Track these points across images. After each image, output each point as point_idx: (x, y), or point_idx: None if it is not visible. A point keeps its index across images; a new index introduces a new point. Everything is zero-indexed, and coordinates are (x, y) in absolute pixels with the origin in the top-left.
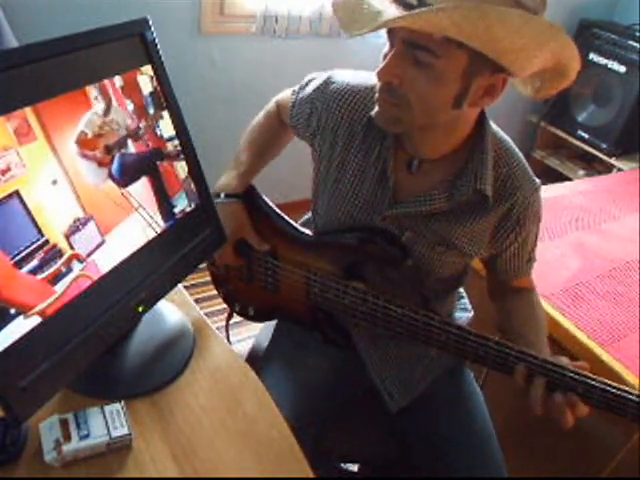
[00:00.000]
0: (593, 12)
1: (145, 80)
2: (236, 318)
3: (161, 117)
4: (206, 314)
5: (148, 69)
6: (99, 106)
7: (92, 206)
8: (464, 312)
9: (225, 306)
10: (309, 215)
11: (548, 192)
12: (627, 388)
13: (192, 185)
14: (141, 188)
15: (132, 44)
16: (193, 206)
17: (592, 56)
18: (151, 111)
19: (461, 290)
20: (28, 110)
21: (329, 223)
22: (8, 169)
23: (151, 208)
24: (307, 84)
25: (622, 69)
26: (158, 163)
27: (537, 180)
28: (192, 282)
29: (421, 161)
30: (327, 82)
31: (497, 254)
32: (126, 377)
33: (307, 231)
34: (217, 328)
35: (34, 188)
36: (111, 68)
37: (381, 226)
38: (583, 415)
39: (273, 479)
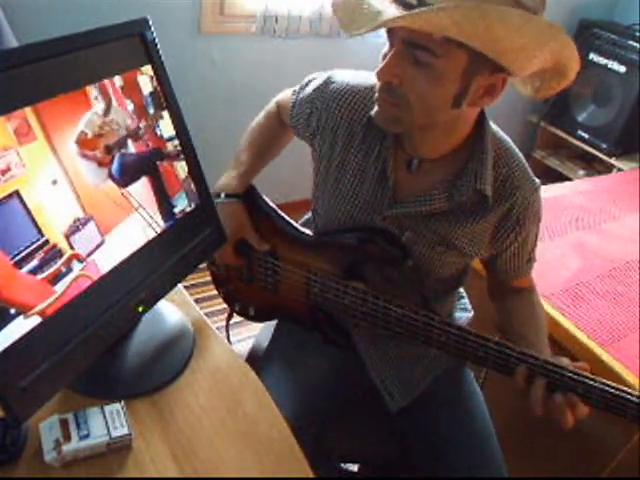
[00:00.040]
0: (593, 12)
1: (145, 80)
2: (236, 318)
3: (161, 117)
4: (206, 314)
5: (148, 69)
6: (99, 106)
7: (92, 206)
8: (464, 312)
9: (225, 306)
10: (309, 215)
11: (548, 192)
12: (627, 389)
13: (192, 185)
14: (141, 188)
15: (132, 44)
16: (193, 206)
17: (592, 56)
18: (151, 111)
19: (461, 290)
20: (28, 110)
21: (329, 223)
22: (8, 169)
23: (151, 208)
24: (307, 84)
25: (622, 69)
26: (158, 163)
27: (537, 180)
28: (192, 282)
29: (421, 161)
30: (327, 82)
31: (497, 254)
32: (126, 377)
33: (307, 231)
34: (217, 328)
35: (34, 188)
36: (111, 68)
37: (381, 226)
38: (583, 416)
39: (273, 479)
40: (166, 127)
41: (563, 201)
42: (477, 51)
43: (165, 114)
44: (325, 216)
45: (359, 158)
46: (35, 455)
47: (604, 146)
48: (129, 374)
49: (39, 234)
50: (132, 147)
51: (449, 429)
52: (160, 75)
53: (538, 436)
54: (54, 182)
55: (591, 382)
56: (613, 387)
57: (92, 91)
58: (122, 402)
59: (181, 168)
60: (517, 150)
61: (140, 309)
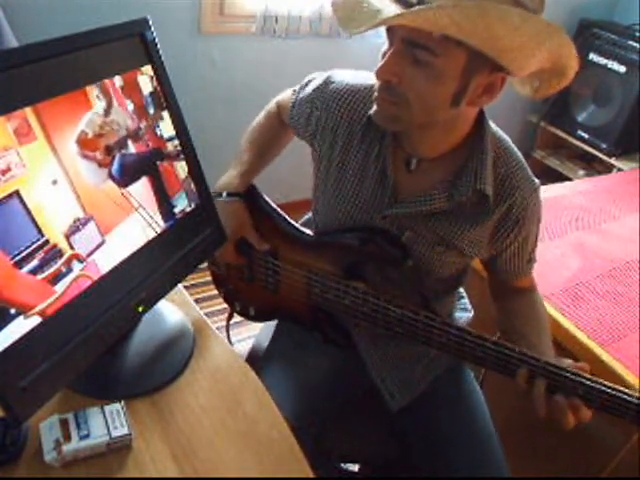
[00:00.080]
0: (593, 12)
1: (145, 80)
2: (236, 318)
3: (161, 117)
4: (206, 314)
5: (148, 69)
6: (100, 106)
7: (92, 206)
8: (464, 312)
9: (225, 306)
10: (309, 215)
11: (548, 192)
12: (626, 390)
13: (192, 185)
14: (141, 188)
15: (132, 44)
16: (193, 206)
17: (592, 56)
18: (151, 111)
19: (461, 290)
20: (28, 110)
21: (329, 223)
22: (8, 169)
23: (151, 208)
24: (307, 84)
25: (622, 69)
26: (158, 163)
27: (536, 180)
28: (192, 282)
29: (420, 160)
30: (326, 82)
31: (497, 254)
32: (126, 377)
33: (308, 231)
34: (217, 328)
35: (34, 188)
36: (111, 68)
37: (381, 226)
38: (586, 419)
39: (273, 479)
40: (166, 127)
41: (563, 201)
42: (476, 50)
43: (165, 114)
44: (325, 216)
45: (359, 158)
46: (35, 455)
47: (604, 146)
48: (129, 374)
49: (39, 234)
50: (132, 147)
51: (449, 428)
52: (160, 75)
53: (538, 436)
54: (54, 182)
55: (591, 383)
56: (613, 388)
57: (93, 91)
58: (122, 402)
59: (181, 168)
60: (516, 150)
61: (140, 309)
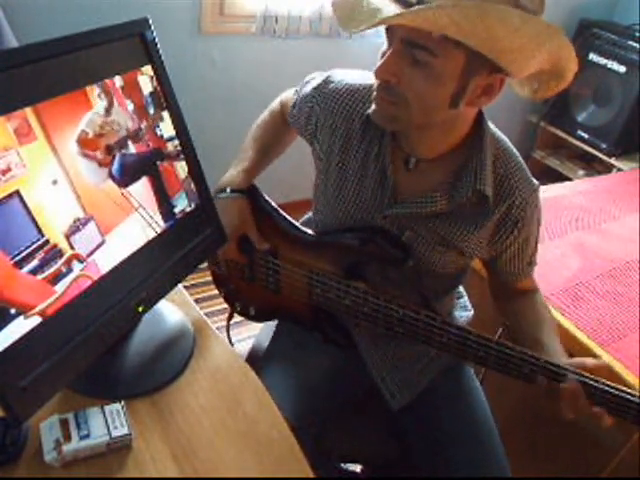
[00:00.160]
0: (593, 12)
1: (145, 80)
2: (236, 318)
3: (161, 117)
4: (206, 314)
5: (148, 69)
6: (100, 105)
7: (92, 206)
8: (464, 311)
9: (225, 306)
10: (310, 215)
11: (548, 192)
12: (628, 390)
13: (192, 185)
14: (141, 188)
15: (132, 44)
16: (193, 206)
17: (592, 56)
18: (151, 111)
19: (460, 289)
20: (28, 110)
21: (330, 222)
22: (8, 169)
23: (151, 208)
24: (307, 83)
25: (622, 69)
26: (158, 163)
27: (535, 181)
28: (192, 282)
29: (419, 160)
30: (326, 81)
31: (497, 255)
32: (126, 377)
33: (309, 231)
34: (217, 328)
35: (34, 188)
36: (111, 68)
37: (382, 226)
38: (607, 425)
39: (273, 479)
40: (166, 127)
41: (563, 201)
42: (475, 51)
43: (165, 114)
44: (326, 216)
45: (359, 157)
46: (35, 455)
47: (604, 146)
48: (129, 374)
49: (39, 234)
50: (132, 147)
51: (450, 427)
52: (160, 75)
53: (538, 435)
54: (54, 182)
55: (594, 383)
56: (615, 388)
57: (93, 90)
58: (122, 402)
59: (181, 168)
60: (515, 151)
61: (140, 309)
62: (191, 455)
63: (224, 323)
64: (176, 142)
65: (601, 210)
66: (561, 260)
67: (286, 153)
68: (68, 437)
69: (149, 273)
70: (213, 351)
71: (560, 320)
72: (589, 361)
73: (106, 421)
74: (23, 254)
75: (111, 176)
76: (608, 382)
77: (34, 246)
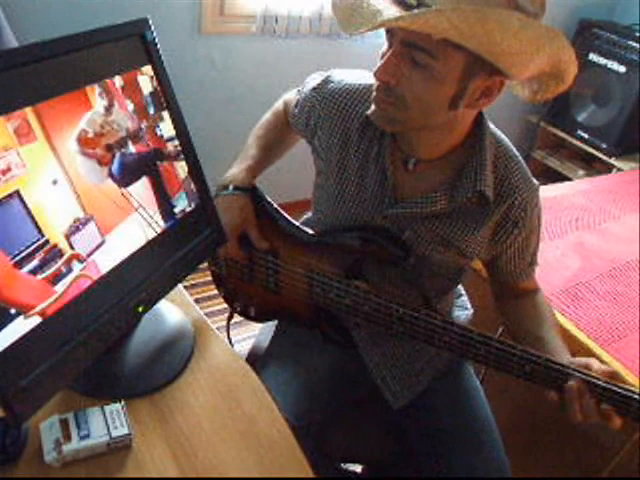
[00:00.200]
0: (593, 12)
1: (145, 80)
2: (236, 318)
3: (161, 117)
4: (206, 314)
5: (148, 69)
6: (101, 105)
7: (92, 206)
8: (463, 310)
9: (225, 306)
10: (309, 214)
11: (548, 192)
12: (629, 387)
13: (192, 185)
14: (141, 188)
15: (132, 44)
16: (193, 206)
17: (592, 56)
18: (151, 111)
19: (460, 288)
20: (28, 110)
21: (330, 222)
22: (8, 169)
23: (151, 208)
24: (308, 84)
25: (622, 69)
26: (158, 163)
27: (535, 181)
28: (192, 282)
29: (418, 161)
30: (325, 81)
31: (498, 255)
32: (126, 377)
33: (309, 230)
34: (217, 328)
35: (34, 188)
36: (111, 68)
37: (382, 225)
38: (616, 427)
39: (273, 479)
40: (166, 127)
41: (563, 201)
42: (475, 53)
43: (165, 114)
44: (326, 215)
45: (359, 157)
46: (35, 455)
47: (604, 146)
48: (129, 374)
49: (39, 234)
50: (132, 148)
51: (450, 424)
52: (160, 75)
53: (538, 435)
54: (54, 182)
55: (597, 381)
56: (619, 386)
57: (94, 90)
58: (122, 402)
59: (181, 168)
60: (515, 151)
61: (140, 309)
62: (191, 455)
63: (224, 323)
64: (176, 142)
65: (601, 210)
66: (561, 260)
67: (286, 153)
68: (68, 437)
69: (149, 273)
70: (213, 351)
71: (560, 320)
72: (595, 363)
73: (106, 421)
74: (23, 254)
75: (111, 175)
76: (610, 380)
77: (34, 246)
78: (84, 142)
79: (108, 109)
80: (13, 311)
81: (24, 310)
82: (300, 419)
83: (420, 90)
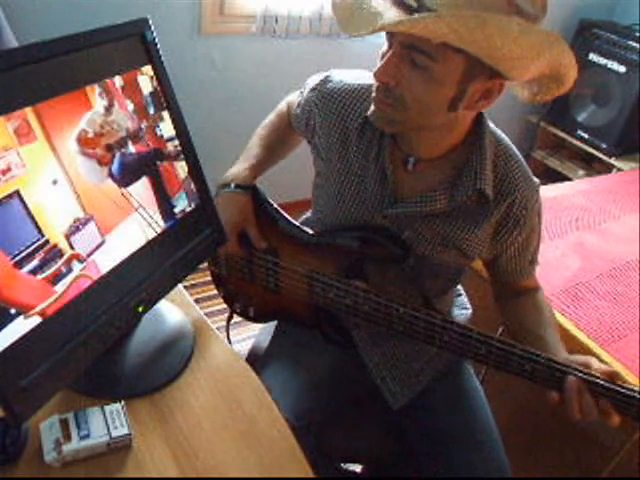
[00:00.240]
0: (593, 12)
1: (145, 80)
2: (236, 318)
3: (161, 117)
4: (206, 314)
5: (148, 69)
6: (101, 105)
7: (92, 206)
8: (462, 309)
9: (225, 306)
10: (309, 214)
11: (548, 192)
12: (630, 386)
13: (192, 185)
14: (141, 188)
15: (132, 44)
16: (193, 206)
17: (592, 56)
18: (151, 111)
19: (459, 288)
20: (28, 110)
21: (330, 222)
22: (8, 169)
23: (151, 208)
24: (309, 85)
25: (622, 69)
26: (158, 163)
27: (536, 180)
28: (192, 282)
29: (418, 160)
30: (324, 81)
31: (498, 254)
32: (126, 377)
33: (309, 230)
34: (217, 328)
35: (34, 188)
36: (111, 68)
37: (382, 225)
38: (615, 424)
39: (273, 479)
40: (166, 127)
41: (563, 201)
42: (475, 56)
43: (165, 114)
44: (325, 215)
45: (358, 157)
46: (35, 455)
47: (604, 146)
48: (129, 374)
49: (39, 234)
50: (132, 148)
51: (450, 426)
52: (160, 75)
53: (538, 435)
54: (54, 182)
55: (596, 380)
56: (618, 385)
57: (94, 90)
58: (122, 402)
59: (181, 168)
60: (516, 150)
61: (140, 309)
62: (191, 455)
63: (224, 323)
64: (176, 142)
65: (601, 210)
66: (561, 260)
67: None
68: (68, 437)
69: (149, 273)
70: (213, 351)
71: (560, 320)
72: (594, 362)
73: (106, 421)
74: (23, 254)
75: (111, 175)
76: (609, 380)
77: (34, 246)
78: (84, 142)
79: (108, 109)
80: (13, 311)
81: (24, 310)
82: (300, 419)
83: (419, 91)
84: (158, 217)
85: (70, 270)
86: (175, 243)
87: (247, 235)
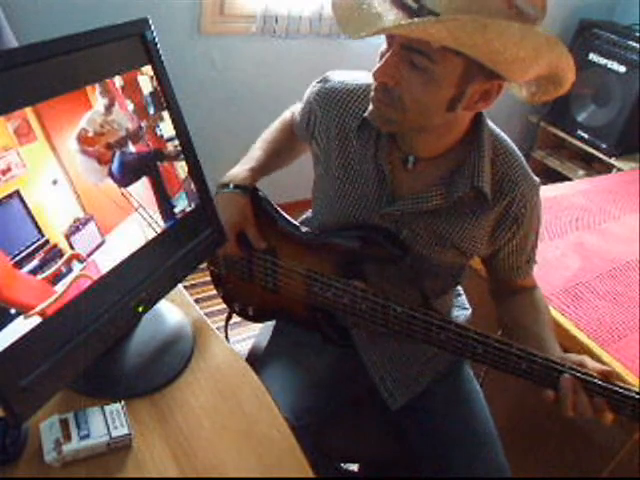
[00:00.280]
0: (593, 12)
1: (145, 80)
2: (236, 318)
3: (161, 117)
4: (206, 314)
5: (148, 69)
6: (101, 104)
7: (92, 206)
8: (462, 310)
9: (225, 306)
10: (309, 214)
11: (548, 192)
12: (625, 385)
13: (192, 185)
14: (141, 188)
15: (132, 44)
16: (193, 206)
17: (592, 56)
18: (151, 111)
19: (459, 288)
20: (28, 110)
21: (329, 222)
22: (8, 169)
23: (151, 208)
24: (309, 89)
25: (622, 69)
26: (158, 163)
27: (536, 178)
28: (192, 282)
29: (417, 159)
30: (322, 81)
31: (496, 252)
32: (126, 377)
33: (307, 230)
34: (217, 328)
35: (34, 188)
36: (111, 68)
37: (380, 224)
38: (608, 422)
39: (273, 479)
40: (166, 127)
41: (563, 201)
42: (474, 59)
43: (165, 114)
44: (324, 215)
45: (357, 157)
46: (35, 455)
47: (604, 146)
48: (129, 374)
49: (39, 234)
50: (132, 148)
51: (449, 427)
52: (160, 75)
53: (538, 436)
54: (54, 182)
55: (590, 379)
56: (613, 384)
57: (94, 90)
58: (122, 402)
59: (181, 168)
60: (516, 149)
61: (140, 309)
62: (191, 455)
63: (224, 323)
64: (176, 142)
65: (601, 210)
66: (561, 260)
67: None
68: (68, 437)
69: (149, 273)
70: (213, 351)
71: (560, 320)
72: (589, 361)
73: (106, 421)
74: (23, 254)
75: (111, 175)
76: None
77: (34, 246)
78: (84, 141)
79: (108, 108)
80: (13, 311)
81: (24, 310)
82: (300, 419)
83: (418, 92)
84: (158, 217)
85: (70, 270)
86: (175, 243)
87: (246, 235)
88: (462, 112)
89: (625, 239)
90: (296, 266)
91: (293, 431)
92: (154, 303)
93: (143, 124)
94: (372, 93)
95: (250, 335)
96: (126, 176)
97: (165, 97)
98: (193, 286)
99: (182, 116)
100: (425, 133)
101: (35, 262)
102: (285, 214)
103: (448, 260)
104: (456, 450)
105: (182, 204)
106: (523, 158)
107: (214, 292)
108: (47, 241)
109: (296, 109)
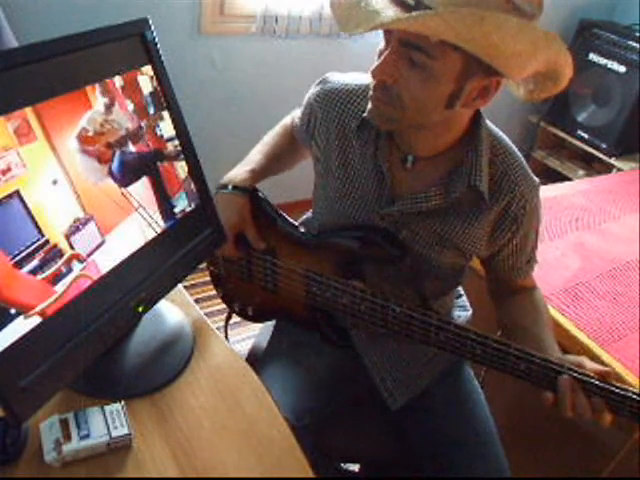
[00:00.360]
0: (593, 12)
1: (145, 80)
2: (236, 318)
3: (161, 117)
4: (206, 314)
5: (148, 69)
6: (101, 103)
7: (92, 206)
8: (462, 311)
9: (225, 306)
10: (309, 214)
11: (548, 192)
12: (624, 386)
13: (192, 185)
14: (141, 188)
15: (132, 44)
16: (193, 206)
17: (592, 56)
18: (151, 111)
19: (459, 289)
20: (28, 110)
21: (329, 222)
22: (8, 169)
23: (151, 208)
24: (308, 93)
25: (622, 69)
26: (158, 163)
27: (536, 179)
28: (192, 282)
29: (416, 158)
30: (321, 82)
31: (495, 252)
32: (126, 377)
33: (307, 230)
34: (217, 328)
35: (34, 188)
36: (111, 68)
37: (379, 224)
38: (607, 423)
39: (273, 479)
40: (166, 127)
41: (563, 201)
42: (472, 54)
43: (165, 114)
44: (324, 215)
45: (357, 157)
46: (35, 455)
47: (604, 146)
48: (129, 374)
49: (39, 234)
50: (132, 148)
51: (449, 427)
52: (160, 75)
53: (538, 436)
54: (54, 182)
55: (589, 379)
56: (611, 385)
57: (94, 90)
58: (122, 402)
59: (181, 168)
60: (515, 149)
61: (140, 309)
62: (191, 455)
63: (224, 323)
64: (176, 142)
65: (601, 210)
66: (561, 260)
67: None
68: (68, 437)
69: (149, 273)
70: (213, 351)
71: (560, 320)
72: (587, 362)
73: (106, 421)
74: (23, 254)
75: (111, 174)
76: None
77: (34, 246)
78: (84, 140)
79: (108, 108)
80: (13, 311)
81: (24, 310)
82: (300, 419)
83: (417, 89)
84: (158, 217)
85: (70, 270)
86: (175, 243)
87: (245, 236)
88: (461, 110)
89: (625, 239)
90: (295, 266)
91: (293, 431)
92: (154, 303)
93: (143, 124)
94: (371, 92)
95: (250, 335)
96: (126, 176)
97: (165, 97)
98: (193, 286)
99: (182, 116)
100: (424, 131)
101: (35, 262)
102: (284, 214)
103: (448, 261)
104: (456, 450)
105: (182, 204)
106: (523, 158)
107: (214, 292)
108: (47, 241)
109: (296, 114)
